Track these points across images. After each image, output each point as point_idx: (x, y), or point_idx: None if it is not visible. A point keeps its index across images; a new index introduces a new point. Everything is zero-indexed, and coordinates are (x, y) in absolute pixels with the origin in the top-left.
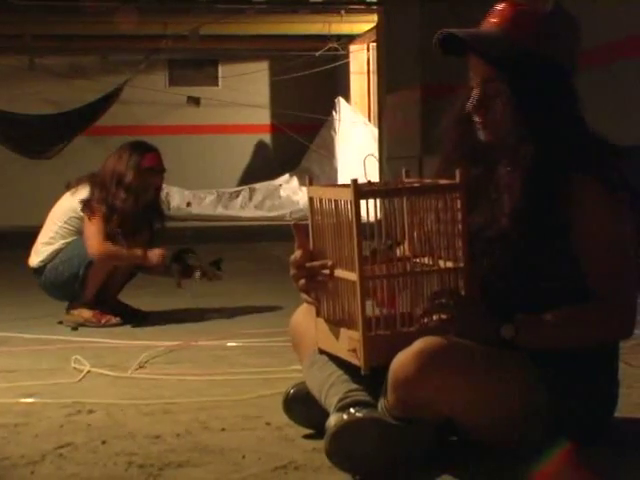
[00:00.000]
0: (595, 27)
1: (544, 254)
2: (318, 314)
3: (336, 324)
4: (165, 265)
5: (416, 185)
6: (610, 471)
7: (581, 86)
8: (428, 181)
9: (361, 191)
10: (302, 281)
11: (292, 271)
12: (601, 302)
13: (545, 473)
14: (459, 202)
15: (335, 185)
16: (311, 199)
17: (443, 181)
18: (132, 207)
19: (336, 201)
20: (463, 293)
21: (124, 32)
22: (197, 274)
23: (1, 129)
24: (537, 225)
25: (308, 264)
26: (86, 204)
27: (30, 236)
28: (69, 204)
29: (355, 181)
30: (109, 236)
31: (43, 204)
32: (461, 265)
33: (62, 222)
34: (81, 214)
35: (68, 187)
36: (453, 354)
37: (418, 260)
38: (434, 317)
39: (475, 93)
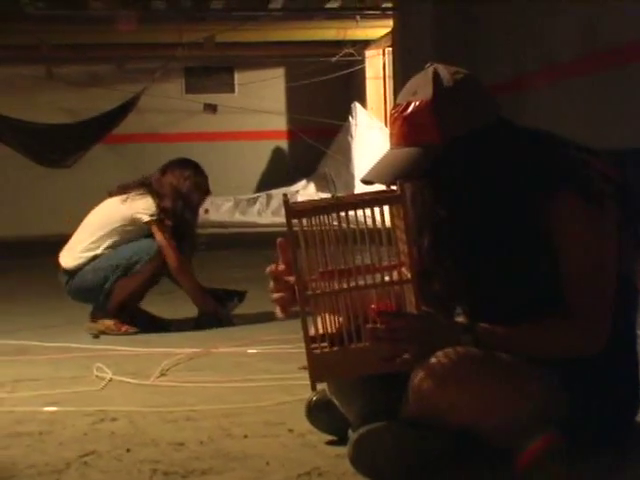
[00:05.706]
0: (609, 29)
1: (526, 270)
2: None
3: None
4: (218, 312)
5: (353, 199)
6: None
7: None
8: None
9: (293, 210)
10: (277, 295)
11: (270, 283)
12: (572, 318)
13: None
14: (402, 212)
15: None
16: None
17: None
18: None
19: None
20: (414, 307)
21: (140, 40)
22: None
23: (20, 138)
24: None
25: (286, 278)
26: (160, 215)
27: (50, 245)
28: (122, 213)
29: (286, 200)
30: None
31: (62, 212)
32: (406, 278)
33: (111, 229)
34: (138, 224)
35: (111, 194)
36: (472, 364)
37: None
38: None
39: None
